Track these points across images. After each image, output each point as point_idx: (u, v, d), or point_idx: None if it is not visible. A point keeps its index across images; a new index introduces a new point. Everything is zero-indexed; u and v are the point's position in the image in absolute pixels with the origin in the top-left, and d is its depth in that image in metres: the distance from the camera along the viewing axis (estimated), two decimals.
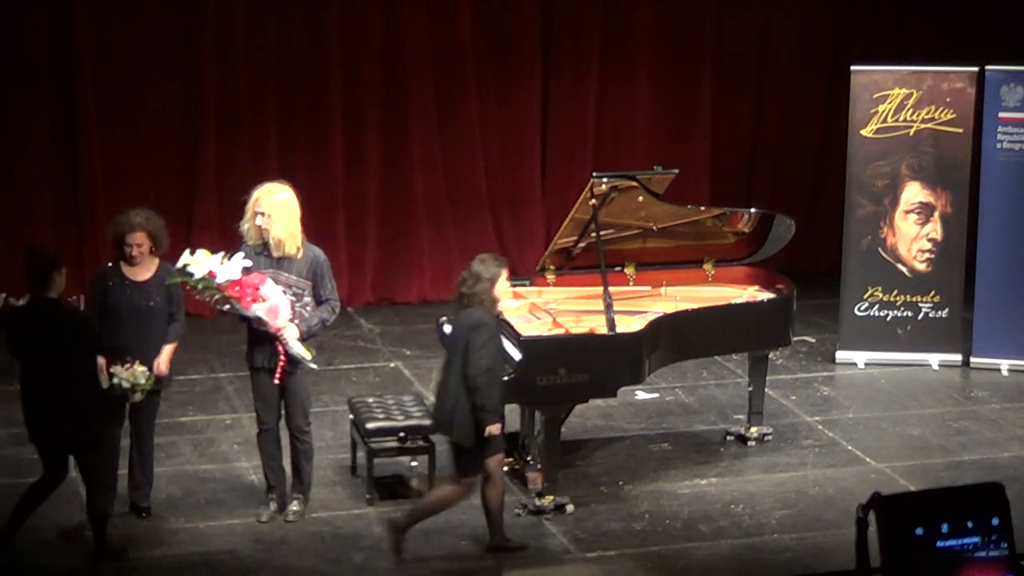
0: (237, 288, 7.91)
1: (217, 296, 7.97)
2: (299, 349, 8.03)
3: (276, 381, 8.10)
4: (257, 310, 7.94)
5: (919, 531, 3.62)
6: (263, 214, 8.11)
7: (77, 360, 7.65)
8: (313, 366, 8.15)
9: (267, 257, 8.15)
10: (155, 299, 8.17)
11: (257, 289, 7.93)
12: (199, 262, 7.93)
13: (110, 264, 8.26)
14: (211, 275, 7.91)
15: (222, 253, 7.99)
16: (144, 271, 8.21)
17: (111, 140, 11.92)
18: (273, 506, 8.39)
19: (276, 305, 7.97)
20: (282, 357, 8.04)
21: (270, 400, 8.25)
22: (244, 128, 12.13)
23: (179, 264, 7.98)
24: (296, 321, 8.07)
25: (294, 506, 8.37)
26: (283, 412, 8.28)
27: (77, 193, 11.84)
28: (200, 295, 8.05)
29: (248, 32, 12.05)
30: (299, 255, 8.15)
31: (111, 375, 7.83)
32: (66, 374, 7.60)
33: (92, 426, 7.73)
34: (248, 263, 7.98)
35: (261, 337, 8.12)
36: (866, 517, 3.63)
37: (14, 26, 11.65)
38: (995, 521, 3.71)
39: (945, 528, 3.64)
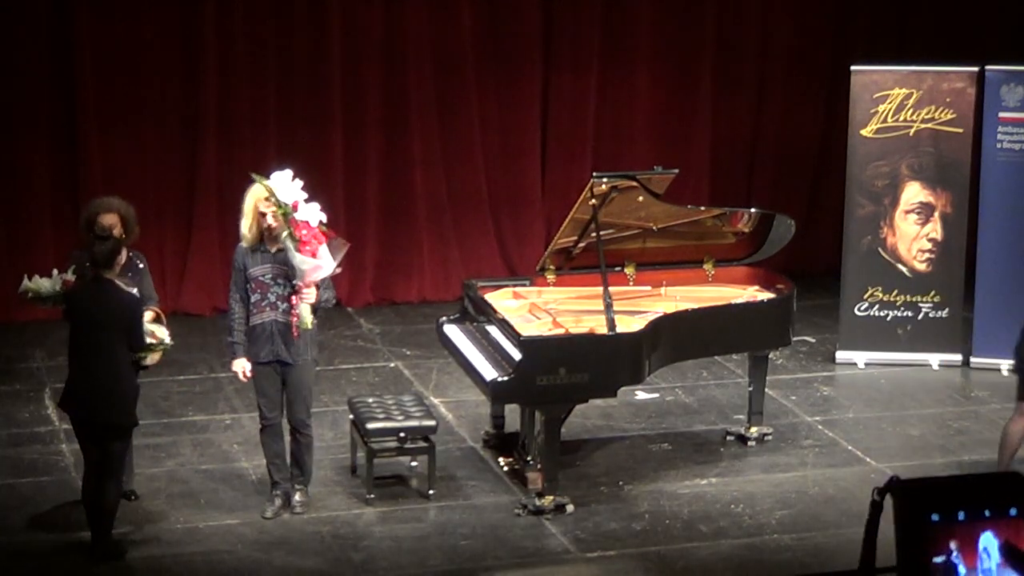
0: (305, 231, 7.96)
1: (285, 227, 7.98)
2: (307, 313, 8.09)
3: (294, 334, 8.13)
4: (303, 263, 7.98)
5: (935, 517, 3.60)
6: (274, 214, 8.12)
7: (126, 343, 7.74)
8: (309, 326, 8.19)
9: (263, 253, 8.17)
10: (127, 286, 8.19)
11: (319, 244, 8.00)
12: (288, 189, 7.97)
13: (81, 252, 8.25)
14: (294, 207, 7.98)
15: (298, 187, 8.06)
16: None
17: (111, 140, 11.92)
18: (278, 502, 8.42)
19: (320, 267, 8.04)
20: (294, 314, 8.11)
21: (272, 395, 8.30)
22: (244, 128, 12.13)
23: (272, 180, 8.00)
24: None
25: (298, 496, 8.43)
26: (285, 406, 8.33)
27: (77, 193, 11.82)
28: (266, 208, 8.07)
29: (248, 32, 12.05)
30: None
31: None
32: (116, 355, 7.70)
33: (131, 411, 7.80)
34: (323, 216, 8.05)
35: (262, 333, 8.19)
36: (882, 500, 3.62)
37: (14, 26, 11.65)
38: (1013, 511, 3.69)
39: (962, 516, 3.63)
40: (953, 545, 3.63)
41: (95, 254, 7.74)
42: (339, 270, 8.27)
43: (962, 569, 3.63)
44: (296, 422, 8.35)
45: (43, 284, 8.05)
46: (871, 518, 3.65)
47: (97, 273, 7.76)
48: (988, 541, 3.66)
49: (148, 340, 8.02)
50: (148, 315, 8.15)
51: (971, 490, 3.70)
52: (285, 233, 7.98)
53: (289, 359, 8.22)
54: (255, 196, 8.15)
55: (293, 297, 8.11)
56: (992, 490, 3.71)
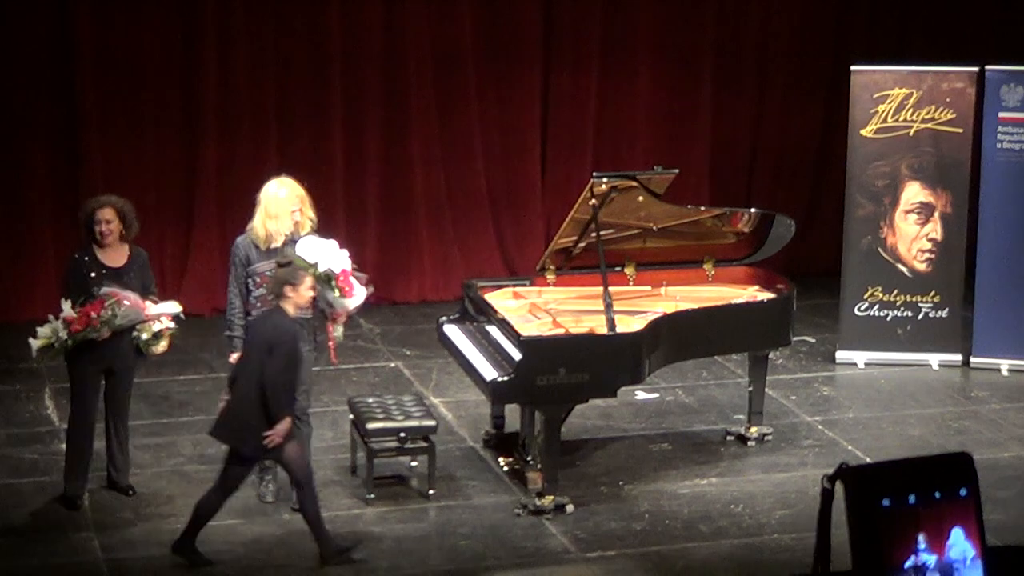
0: (342, 277, 8.10)
1: (332, 292, 8.12)
2: (340, 333, 8.32)
3: (333, 359, 8.46)
4: (350, 303, 8.17)
5: (886, 502, 3.58)
6: (300, 211, 8.29)
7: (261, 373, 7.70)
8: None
9: (269, 249, 8.30)
10: (131, 284, 8.23)
11: (349, 278, 8.13)
12: (323, 254, 8.08)
13: (83, 252, 8.32)
14: (341, 287, 8.13)
15: (316, 237, 8.21)
16: (119, 256, 8.32)
17: (111, 140, 11.92)
18: (272, 486, 8.52)
19: (360, 299, 8.21)
20: (331, 339, 8.29)
21: None
22: (244, 128, 12.13)
23: (300, 251, 8.10)
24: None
25: (297, 493, 8.46)
26: None
27: (77, 193, 11.79)
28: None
29: (248, 32, 12.05)
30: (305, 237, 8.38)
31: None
32: (255, 383, 7.63)
33: (249, 440, 7.69)
34: (346, 252, 8.19)
35: None
36: (832, 488, 3.59)
37: (14, 26, 11.65)
38: (963, 492, 3.67)
39: (912, 499, 3.60)
40: (922, 539, 3.61)
41: (275, 281, 7.71)
42: (371, 288, 8.44)
43: (932, 560, 3.61)
44: (300, 409, 8.38)
45: (44, 331, 8.03)
46: (823, 507, 3.62)
47: (276, 301, 7.71)
48: (958, 537, 3.65)
49: (156, 326, 8.09)
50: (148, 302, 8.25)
51: (921, 472, 3.67)
52: (335, 295, 8.11)
53: None
54: (285, 198, 8.27)
55: (329, 325, 8.29)
56: (941, 471, 3.68)
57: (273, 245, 8.24)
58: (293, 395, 7.69)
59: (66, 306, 8.03)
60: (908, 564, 3.59)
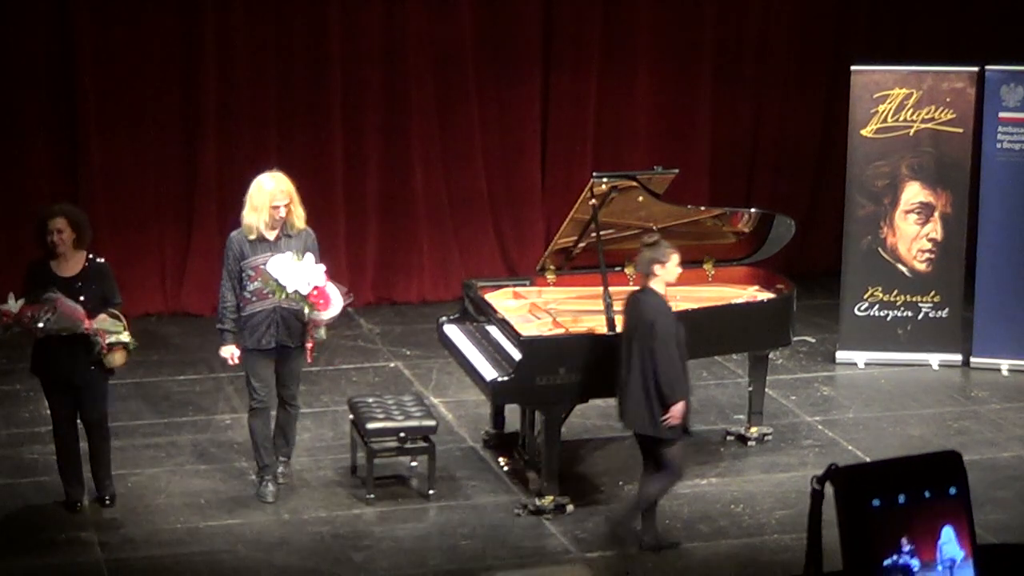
0: (316, 292, 8.15)
1: (305, 307, 8.20)
2: (323, 333, 8.38)
3: (309, 360, 8.56)
4: (326, 315, 8.23)
5: (876, 502, 3.57)
6: (286, 205, 8.31)
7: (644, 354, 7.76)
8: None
9: (263, 242, 8.33)
10: (85, 294, 8.16)
11: (325, 291, 8.16)
12: (293, 274, 8.11)
13: (38, 261, 8.27)
14: (311, 298, 8.16)
15: (291, 255, 8.19)
16: (72, 266, 8.22)
17: (111, 140, 11.91)
18: (271, 487, 8.55)
19: (336, 309, 8.26)
20: (311, 339, 8.38)
21: (267, 378, 8.48)
22: (244, 128, 12.13)
23: (271, 270, 8.12)
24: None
25: (282, 468, 8.69)
26: (277, 384, 8.54)
27: (77, 193, 11.81)
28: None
29: (248, 32, 12.05)
30: (298, 233, 8.41)
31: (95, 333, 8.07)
32: (642, 366, 7.77)
33: (655, 423, 7.82)
34: (323, 267, 8.22)
35: (264, 319, 8.35)
36: (822, 489, 3.57)
37: (14, 26, 11.65)
38: (952, 491, 3.66)
39: (902, 499, 3.59)
40: (905, 542, 3.60)
41: (642, 260, 7.77)
42: (351, 298, 8.50)
43: (916, 564, 3.60)
44: (289, 397, 8.61)
45: None
46: (813, 508, 3.60)
47: (643, 282, 7.82)
48: (949, 536, 3.64)
49: (97, 338, 8.04)
50: (101, 315, 8.16)
51: (910, 472, 3.66)
52: (307, 310, 8.19)
53: (291, 343, 8.43)
54: (269, 192, 8.29)
55: (309, 328, 8.35)
56: (931, 470, 3.67)
57: (262, 236, 8.29)
58: (682, 375, 7.79)
59: (12, 302, 7.98)
60: (899, 564, 3.57)
